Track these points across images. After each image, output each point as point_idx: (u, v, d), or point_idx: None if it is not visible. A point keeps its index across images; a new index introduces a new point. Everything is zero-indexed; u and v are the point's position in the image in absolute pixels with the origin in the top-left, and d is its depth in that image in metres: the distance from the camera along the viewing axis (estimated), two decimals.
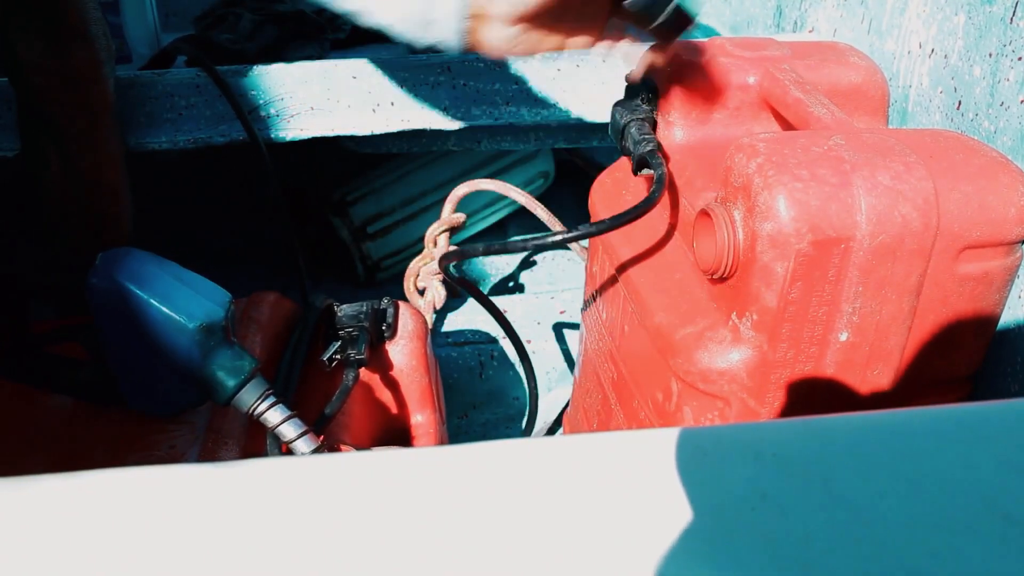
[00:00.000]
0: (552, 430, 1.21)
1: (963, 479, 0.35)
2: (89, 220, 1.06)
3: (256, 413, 0.62)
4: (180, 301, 0.61)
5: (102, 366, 0.65)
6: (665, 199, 0.77)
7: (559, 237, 0.72)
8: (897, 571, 0.31)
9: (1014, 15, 0.71)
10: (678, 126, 0.79)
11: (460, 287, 1.05)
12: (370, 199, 1.50)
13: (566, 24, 0.64)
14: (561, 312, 1.28)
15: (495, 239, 1.66)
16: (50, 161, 1.01)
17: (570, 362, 1.24)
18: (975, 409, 0.41)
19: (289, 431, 0.61)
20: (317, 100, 1.12)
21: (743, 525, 0.33)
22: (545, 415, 1.23)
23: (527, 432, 1.16)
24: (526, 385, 1.15)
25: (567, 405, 1.13)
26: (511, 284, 1.57)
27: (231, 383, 0.61)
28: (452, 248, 1.06)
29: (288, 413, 0.62)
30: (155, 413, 0.67)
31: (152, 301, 0.60)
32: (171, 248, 1.64)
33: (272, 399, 0.62)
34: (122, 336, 0.62)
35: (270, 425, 0.61)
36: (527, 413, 1.15)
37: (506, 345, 1.21)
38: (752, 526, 0.33)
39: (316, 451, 0.61)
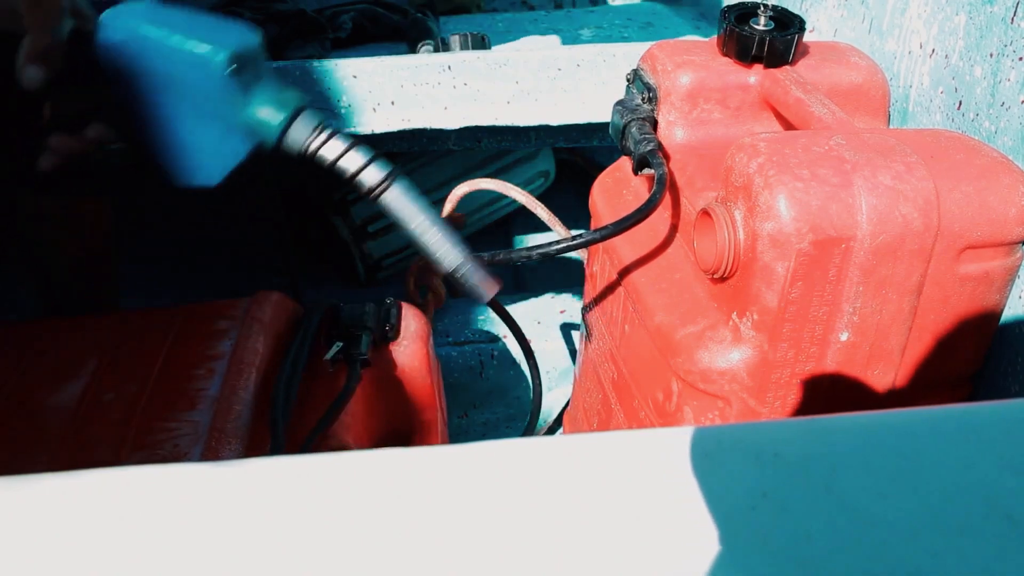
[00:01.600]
0: (552, 430, 1.21)
1: (964, 479, 0.35)
2: (70, 218, 1.05)
3: (311, 150, 0.53)
4: (205, 32, 0.52)
5: (132, 144, 0.58)
6: (666, 199, 0.77)
7: (563, 244, 0.72)
8: (898, 571, 0.31)
9: (1015, 15, 0.71)
10: (679, 126, 0.79)
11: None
12: None
13: None
14: (561, 312, 1.28)
15: (496, 238, 1.66)
16: None
17: (570, 362, 1.24)
18: (976, 409, 0.41)
19: (355, 160, 0.53)
20: (318, 99, 1.12)
21: (743, 525, 0.33)
22: (545, 415, 1.23)
23: (528, 430, 1.16)
24: (530, 383, 1.15)
25: (567, 404, 1.13)
26: (511, 283, 1.57)
27: (279, 118, 0.53)
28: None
29: (350, 142, 0.54)
30: (201, 183, 0.58)
31: (174, 37, 0.52)
32: (171, 246, 1.64)
33: (329, 130, 0.54)
34: (147, 96, 0.54)
35: (328, 161, 0.54)
36: (530, 411, 1.15)
37: (507, 344, 1.21)
38: (752, 526, 0.33)
39: (388, 177, 0.54)
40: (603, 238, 0.72)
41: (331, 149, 0.53)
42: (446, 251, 0.58)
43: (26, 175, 0.61)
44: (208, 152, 0.56)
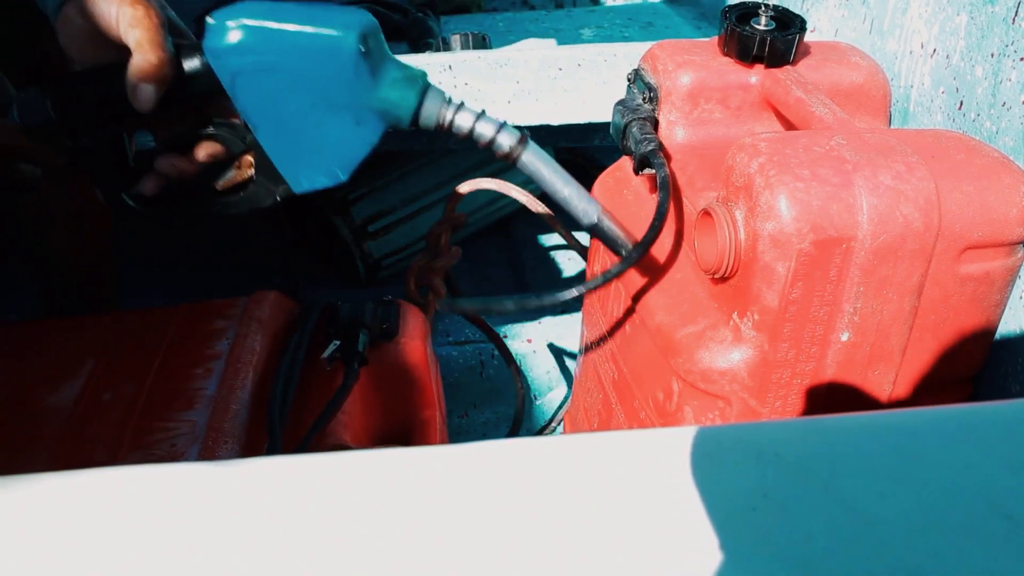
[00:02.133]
0: (552, 429, 1.21)
1: (964, 480, 0.34)
2: (70, 218, 1.05)
3: (446, 122, 0.54)
4: (325, 17, 0.49)
5: (244, 158, 0.56)
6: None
7: (575, 292, 0.66)
8: (898, 571, 0.31)
9: (1016, 15, 0.71)
10: (679, 125, 0.79)
11: (457, 312, 1.03)
12: (371, 198, 1.50)
13: None
14: (562, 312, 1.28)
15: (497, 237, 1.66)
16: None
17: (571, 361, 1.24)
18: (976, 409, 0.41)
19: (487, 129, 0.54)
20: None
21: (744, 525, 0.33)
22: (545, 414, 1.23)
23: (512, 434, 1.16)
24: (530, 384, 1.15)
25: (568, 404, 1.13)
26: (513, 283, 1.57)
27: (412, 95, 0.52)
28: (448, 299, 1.06)
29: (478, 111, 0.54)
30: (328, 183, 0.56)
31: (296, 26, 0.48)
32: (171, 246, 1.64)
33: (456, 101, 0.54)
34: (270, 96, 0.51)
35: (464, 131, 0.54)
36: (514, 417, 1.14)
37: (507, 344, 1.21)
38: (753, 526, 0.33)
39: (521, 141, 0.54)
40: (619, 274, 0.67)
41: (464, 119, 0.54)
42: (583, 207, 0.61)
43: (125, 205, 0.59)
44: (339, 145, 0.54)
